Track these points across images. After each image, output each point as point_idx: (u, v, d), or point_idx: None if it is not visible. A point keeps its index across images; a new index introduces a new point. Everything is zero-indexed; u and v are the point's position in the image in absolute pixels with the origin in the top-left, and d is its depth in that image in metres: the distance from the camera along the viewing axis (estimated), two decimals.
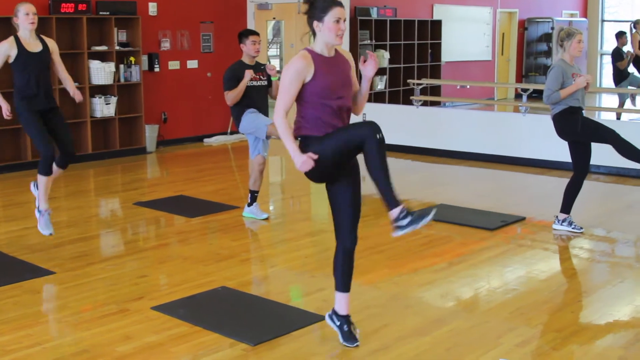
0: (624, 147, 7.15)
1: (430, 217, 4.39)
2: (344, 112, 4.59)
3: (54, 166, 6.85)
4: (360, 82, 4.76)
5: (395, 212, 4.42)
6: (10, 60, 6.67)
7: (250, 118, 7.77)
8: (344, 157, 4.52)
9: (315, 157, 4.41)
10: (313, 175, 4.59)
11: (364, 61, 4.63)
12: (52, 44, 6.89)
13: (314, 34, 4.53)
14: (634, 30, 14.49)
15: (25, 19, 6.65)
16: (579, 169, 7.33)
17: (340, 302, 4.87)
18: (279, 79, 8.19)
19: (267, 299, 5.74)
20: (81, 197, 9.55)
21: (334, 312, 4.91)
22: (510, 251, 7.00)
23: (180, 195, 9.32)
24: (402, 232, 4.43)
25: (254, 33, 7.92)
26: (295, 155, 4.44)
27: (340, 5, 4.48)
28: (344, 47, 4.56)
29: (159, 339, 4.97)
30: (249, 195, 8.08)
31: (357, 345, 4.82)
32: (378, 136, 4.32)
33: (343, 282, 4.83)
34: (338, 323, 4.88)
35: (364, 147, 4.35)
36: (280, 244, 7.49)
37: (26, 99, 6.68)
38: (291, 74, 4.46)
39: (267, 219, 8.11)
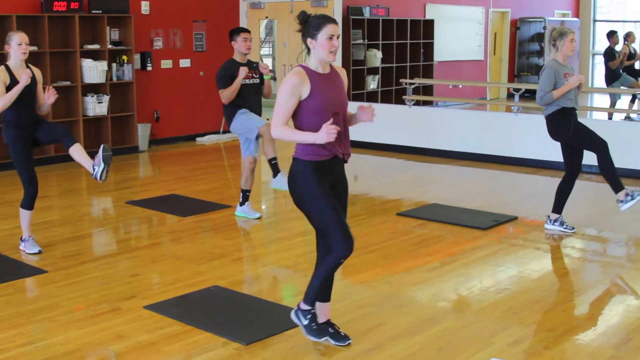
0: (606, 163, 7.14)
1: (319, 339, 4.82)
2: (340, 128, 4.59)
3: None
4: (351, 115, 4.80)
5: (303, 304, 4.75)
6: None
7: (242, 119, 7.76)
8: (308, 218, 4.66)
9: (331, 122, 4.41)
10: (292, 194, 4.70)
11: (363, 107, 4.69)
12: (38, 75, 6.89)
13: (309, 50, 4.57)
14: (624, 43, 14.56)
15: (17, 49, 6.64)
16: (571, 169, 7.35)
17: (324, 311, 4.90)
18: (271, 78, 8.20)
19: (259, 298, 5.74)
20: (73, 196, 9.54)
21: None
22: (503, 250, 7.01)
23: (172, 194, 9.32)
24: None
25: (244, 30, 7.91)
26: (315, 137, 4.43)
27: (334, 22, 4.52)
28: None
29: (151, 338, 4.97)
30: (241, 194, 8.08)
31: (349, 344, 4.82)
32: (342, 260, 4.56)
33: (326, 294, 4.89)
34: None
35: (330, 253, 4.57)
36: (272, 243, 7.50)
37: (16, 127, 6.64)
38: (287, 91, 4.48)
39: (259, 218, 8.11)
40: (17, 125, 6.64)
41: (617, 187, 7.19)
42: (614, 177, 7.17)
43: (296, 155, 4.60)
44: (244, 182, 7.98)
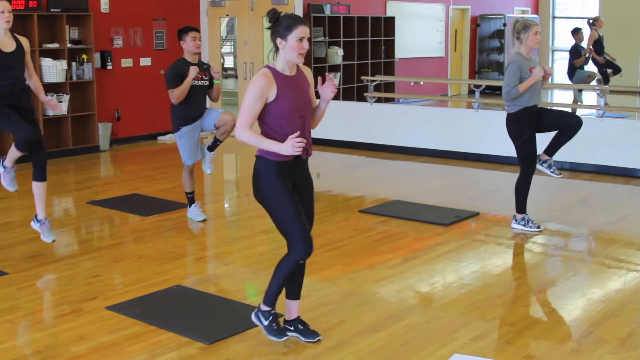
0: (570, 132, 7.28)
1: (280, 339, 4.80)
2: (305, 131, 4.58)
3: (14, 149, 6.72)
4: (319, 102, 4.75)
5: (263, 305, 4.79)
6: None
7: (186, 145, 7.72)
8: (270, 216, 4.67)
9: (297, 135, 4.40)
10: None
11: (322, 83, 4.63)
12: (25, 43, 6.70)
13: (277, 50, 4.53)
14: (592, 28, 14.62)
15: (0, 18, 6.53)
16: (527, 166, 7.31)
17: (294, 309, 4.92)
18: (220, 82, 8.11)
19: (222, 297, 5.73)
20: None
21: (286, 322, 4.93)
22: (465, 246, 7.06)
23: (134, 194, 9.26)
24: (289, 339, 4.85)
25: (193, 29, 7.78)
26: (280, 147, 4.40)
27: (305, 23, 4.49)
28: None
29: (113, 339, 4.94)
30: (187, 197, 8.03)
31: (319, 340, 4.83)
32: (301, 262, 4.64)
33: (294, 292, 4.92)
34: (292, 328, 4.90)
35: (289, 254, 4.61)
36: (235, 242, 7.47)
37: None
38: (254, 94, 4.44)
39: (203, 221, 8.00)
40: None
41: (550, 151, 7.44)
42: (559, 145, 7.37)
43: (259, 153, 4.58)
44: (183, 185, 7.94)
